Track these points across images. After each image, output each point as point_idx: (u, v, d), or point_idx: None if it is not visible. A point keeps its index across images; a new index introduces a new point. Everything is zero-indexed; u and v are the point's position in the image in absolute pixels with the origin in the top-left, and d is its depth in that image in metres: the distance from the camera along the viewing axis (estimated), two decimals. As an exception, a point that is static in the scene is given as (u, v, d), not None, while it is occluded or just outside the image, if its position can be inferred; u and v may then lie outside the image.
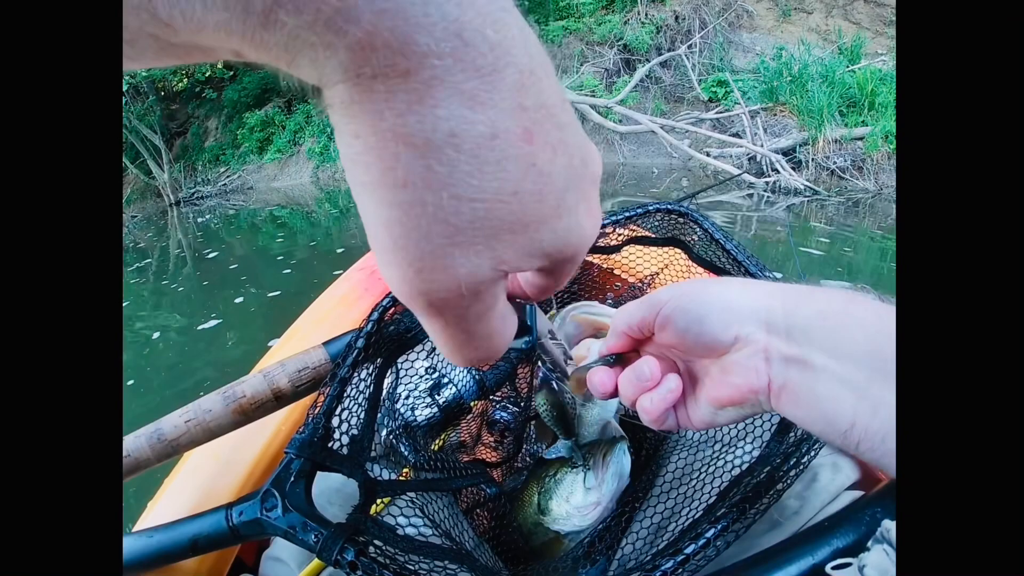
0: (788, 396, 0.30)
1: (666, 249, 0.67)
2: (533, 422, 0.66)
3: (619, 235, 0.66)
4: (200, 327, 3.40)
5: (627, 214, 0.63)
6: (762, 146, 5.26)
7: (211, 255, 5.13)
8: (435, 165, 0.15)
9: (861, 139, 5.06)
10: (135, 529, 0.59)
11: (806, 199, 4.79)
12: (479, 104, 0.15)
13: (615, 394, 0.36)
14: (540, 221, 0.17)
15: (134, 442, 0.54)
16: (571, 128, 0.18)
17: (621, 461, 0.53)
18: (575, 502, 0.51)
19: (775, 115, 5.70)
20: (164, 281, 4.69)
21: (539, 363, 0.61)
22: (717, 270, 0.60)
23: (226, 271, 4.65)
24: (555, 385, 0.57)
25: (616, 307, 0.52)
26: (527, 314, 0.31)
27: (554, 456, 0.57)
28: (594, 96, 6.33)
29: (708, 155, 5.54)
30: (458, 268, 0.16)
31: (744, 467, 0.47)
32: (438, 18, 0.14)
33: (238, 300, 3.83)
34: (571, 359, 0.39)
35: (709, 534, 0.39)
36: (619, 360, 0.37)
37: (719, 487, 0.47)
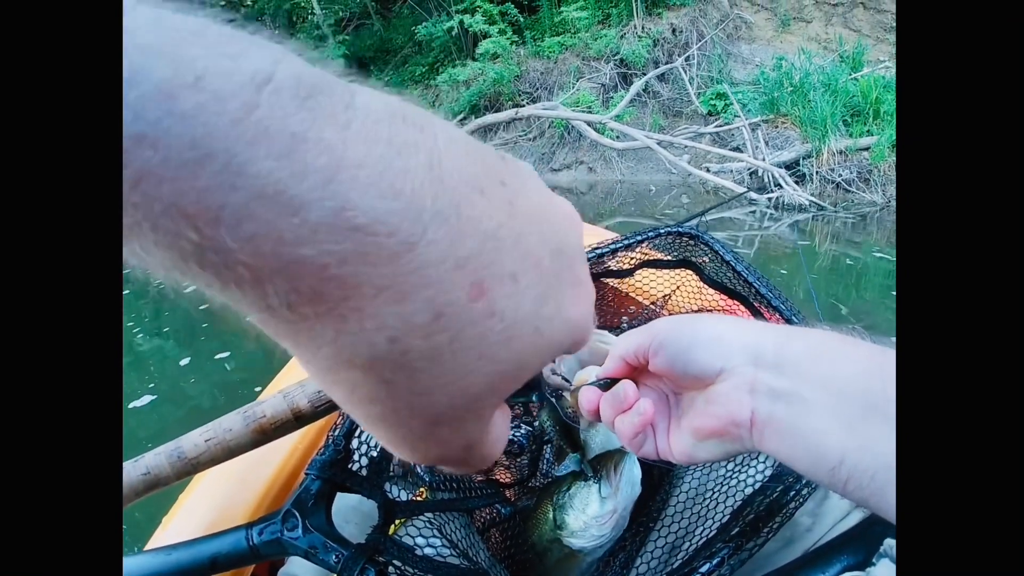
0: (773, 431, 0.30)
1: (678, 271, 0.68)
2: (550, 445, 0.67)
3: (631, 258, 0.68)
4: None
5: (638, 237, 0.64)
6: (764, 160, 5.17)
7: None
8: (390, 377, 0.14)
9: (867, 149, 4.88)
10: (150, 546, 0.59)
11: (811, 215, 4.61)
12: (408, 292, 0.13)
13: (599, 414, 0.38)
14: (519, 361, 0.15)
15: (154, 460, 0.54)
16: (529, 231, 0.15)
17: (632, 470, 0.54)
18: (592, 512, 0.52)
19: (776, 127, 5.58)
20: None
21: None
22: (728, 291, 0.61)
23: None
24: (552, 402, 0.58)
25: (632, 329, 0.54)
26: None
27: (564, 472, 0.58)
28: (590, 112, 6.27)
29: (708, 170, 5.45)
30: (445, 440, 0.16)
31: (757, 486, 0.48)
32: (317, 221, 0.11)
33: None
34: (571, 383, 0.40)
35: (723, 553, 0.39)
36: (613, 384, 0.38)
37: (732, 506, 0.48)
